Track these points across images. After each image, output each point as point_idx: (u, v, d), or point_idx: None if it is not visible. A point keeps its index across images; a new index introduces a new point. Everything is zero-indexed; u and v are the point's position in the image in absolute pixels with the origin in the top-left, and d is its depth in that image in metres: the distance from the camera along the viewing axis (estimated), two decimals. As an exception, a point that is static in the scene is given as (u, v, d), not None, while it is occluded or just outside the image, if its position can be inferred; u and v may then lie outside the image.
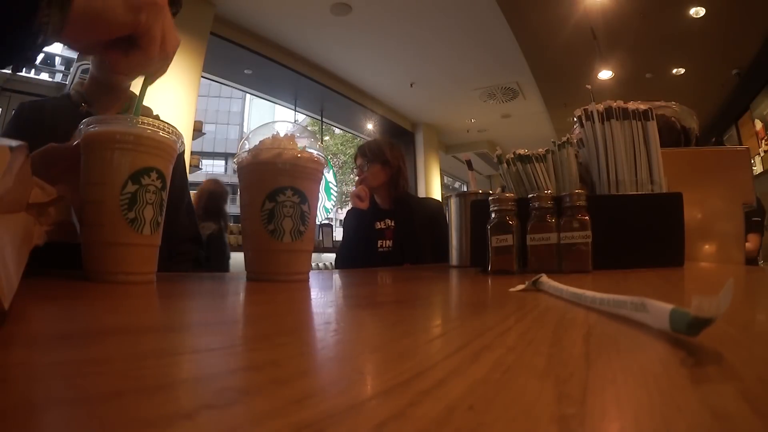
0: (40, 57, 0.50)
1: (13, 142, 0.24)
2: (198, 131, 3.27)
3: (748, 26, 3.39)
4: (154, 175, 0.44)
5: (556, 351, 0.18)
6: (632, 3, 3.18)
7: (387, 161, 1.56)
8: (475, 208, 0.82)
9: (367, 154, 1.59)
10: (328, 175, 6.53)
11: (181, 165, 0.99)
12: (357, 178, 1.62)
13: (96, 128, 0.44)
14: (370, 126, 5.45)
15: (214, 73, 3.89)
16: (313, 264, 0.65)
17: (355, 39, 3.76)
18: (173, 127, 0.48)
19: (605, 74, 4.22)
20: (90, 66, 0.87)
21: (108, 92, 0.87)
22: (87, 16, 0.40)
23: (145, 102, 0.52)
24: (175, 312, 0.32)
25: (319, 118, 5.25)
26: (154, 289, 0.41)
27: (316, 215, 0.54)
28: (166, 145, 0.46)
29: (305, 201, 0.51)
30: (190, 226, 0.97)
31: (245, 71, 4.05)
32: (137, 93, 0.52)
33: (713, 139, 4.49)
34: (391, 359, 0.17)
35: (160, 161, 0.45)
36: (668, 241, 0.70)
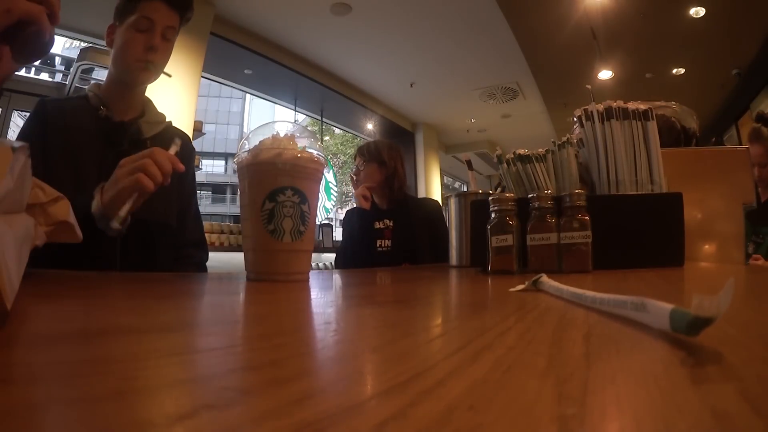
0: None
1: (15, 143, 0.24)
2: (198, 131, 3.27)
3: (748, 26, 3.39)
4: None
5: (556, 351, 0.18)
6: (632, 3, 3.18)
7: (383, 162, 1.57)
8: (475, 208, 0.82)
9: (365, 154, 1.60)
10: (328, 175, 6.53)
11: (190, 171, 1.00)
12: (353, 177, 1.64)
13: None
14: (370, 126, 5.45)
15: (214, 73, 3.89)
16: (313, 264, 0.65)
17: (355, 39, 3.75)
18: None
19: (605, 74, 4.21)
20: (110, 68, 0.87)
21: (125, 94, 0.88)
22: None
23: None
24: (175, 312, 0.32)
25: (319, 118, 5.25)
26: (155, 289, 0.41)
27: (316, 215, 0.54)
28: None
29: (305, 201, 0.51)
30: (195, 230, 0.98)
31: (245, 71, 4.05)
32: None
33: (713, 139, 4.48)
34: (391, 359, 0.17)
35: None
36: (668, 241, 0.70)
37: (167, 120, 0.95)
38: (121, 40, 0.84)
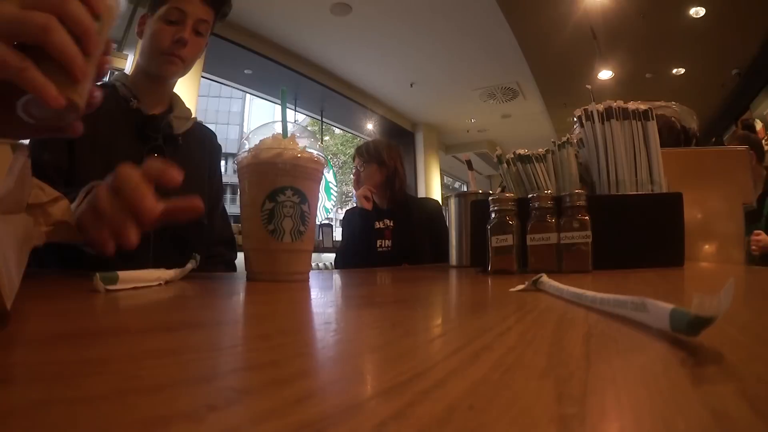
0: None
1: (15, 143, 0.24)
2: (198, 131, 3.26)
3: (748, 26, 3.39)
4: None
5: (556, 351, 0.18)
6: (632, 3, 3.18)
7: (383, 162, 1.57)
8: (475, 208, 0.82)
9: (364, 155, 1.60)
10: (328, 175, 6.53)
11: (218, 169, 0.99)
12: (354, 178, 1.65)
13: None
14: (370, 126, 5.45)
15: (214, 73, 3.89)
16: (313, 264, 0.65)
17: (355, 39, 3.76)
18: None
19: (605, 74, 4.22)
20: (138, 59, 0.84)
21: (154, 87, 0.85)
22: None
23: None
24: (175, 312, 0.32)
25: (319, 118, 5.25)
26: (155, 289, 0.41)
27: (316, 215, 0.54)
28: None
29: (305, 201, 0.51)
30: (224, 228, 0.97)
31: (245, 71, 4.05)
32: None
33: (713, 139, 4.49)
34: (391, 359, 0.17)
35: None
36: (668, 241, 0.70)
37: (193, 116, 0.93)
38: (150, 30, 0.80)
